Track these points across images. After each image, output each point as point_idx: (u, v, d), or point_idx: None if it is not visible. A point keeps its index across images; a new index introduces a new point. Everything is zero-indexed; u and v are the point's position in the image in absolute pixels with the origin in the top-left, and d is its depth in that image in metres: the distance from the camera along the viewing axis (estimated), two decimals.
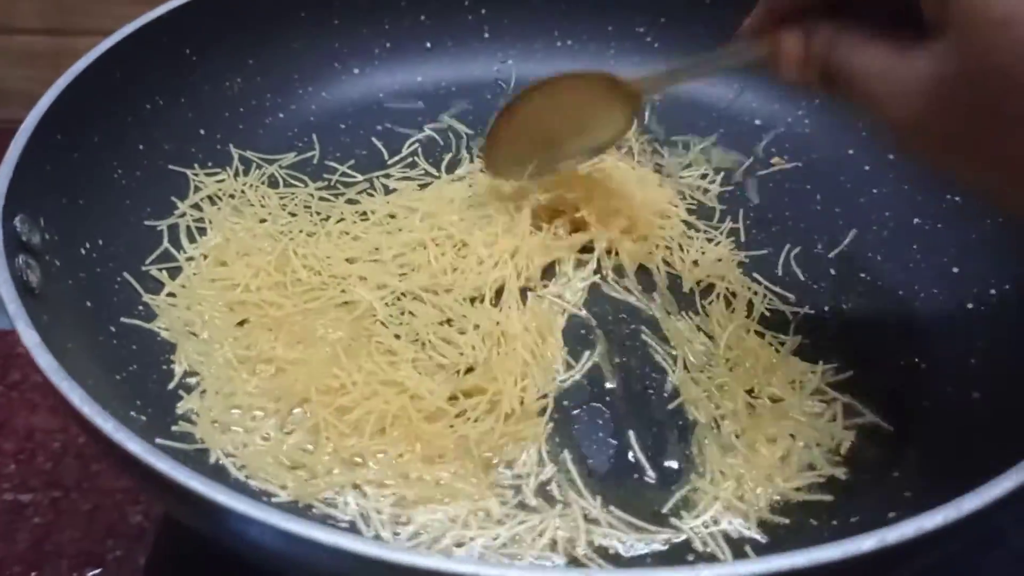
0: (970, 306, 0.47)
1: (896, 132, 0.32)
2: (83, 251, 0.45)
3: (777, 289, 0.49)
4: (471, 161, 0.57)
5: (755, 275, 0.50)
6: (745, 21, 0.40)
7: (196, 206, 0.52)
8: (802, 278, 0.50)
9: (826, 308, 0.48)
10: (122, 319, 0.45)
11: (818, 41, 0.35)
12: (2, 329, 0.38)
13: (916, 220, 0.52)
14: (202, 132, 0.55)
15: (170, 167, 0.53)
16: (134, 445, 0.29)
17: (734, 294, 0.49)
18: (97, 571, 0.49)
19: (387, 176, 0.55)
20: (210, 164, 0.54)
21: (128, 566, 0.50)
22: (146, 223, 0.50)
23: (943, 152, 0.31)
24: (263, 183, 0.54)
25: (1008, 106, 0.28)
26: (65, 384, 0.31)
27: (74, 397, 0.31)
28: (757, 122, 0.60)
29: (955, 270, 0.49)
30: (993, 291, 0.47)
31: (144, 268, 0.48)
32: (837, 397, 0.43)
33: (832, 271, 0.50)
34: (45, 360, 0.32)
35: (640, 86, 0.48)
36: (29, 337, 0.33)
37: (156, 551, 0.49)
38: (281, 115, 0.58)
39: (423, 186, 0.55)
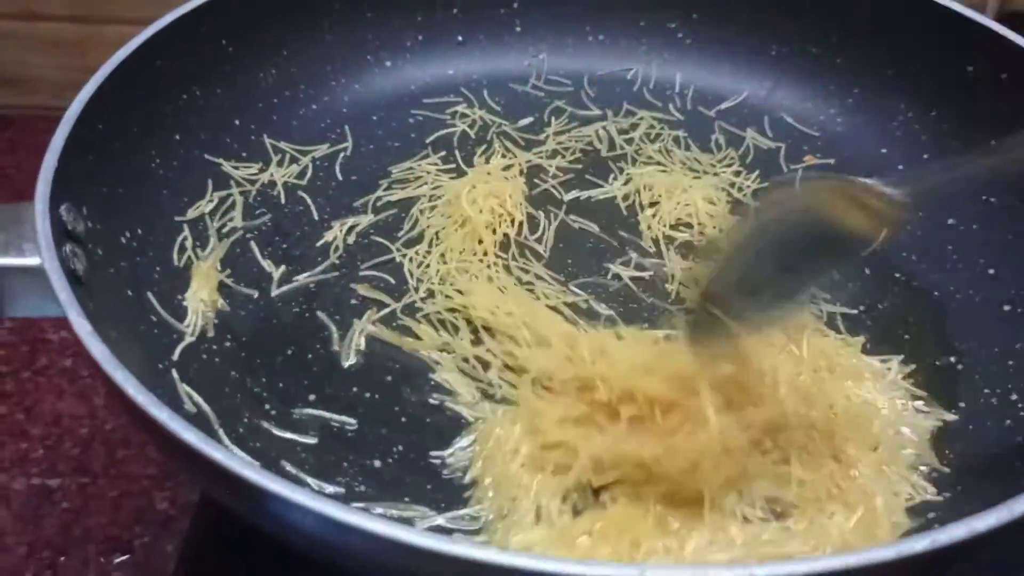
0: (1007, 308, 0.47)
1: None
2: (123, 240, 0.46)
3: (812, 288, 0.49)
4: (502, 156, 0.57)
5: None
6: None
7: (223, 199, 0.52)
8: (836, 277, 0.50)
9: (861, 308, 0.48)
10: (161, 308, 0.45)
11: None
12: (52, 316, 0.38)
13: (951, 220, 0.52)
14: (237, 122, 0.55)
15: (206, 157, 0.53)
16: (190, 435, 0.29)
17: None
18: (125, 557, 0.50)
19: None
20: (244, 155, 0.55)
21: (156, 552, 0.50)
22: (183, 212, 0.51)
23: None
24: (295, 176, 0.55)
25: None
26: (119, 374, 0.31)
27: (128, 387, 0.31)
28: (789, 119, 0.60)
29: (991, 271, 0.49)
30: None
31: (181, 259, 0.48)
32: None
33: (867, 270, 0.50)
34: (98, 349, 0.32)
35: (901, 203, 0.37)
36: (81, 326, 0.33)
37: (189, 538, 0.49)
38: (314, 106, 0.58)
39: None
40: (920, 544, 0.27)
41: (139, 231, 0.47)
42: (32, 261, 0.37)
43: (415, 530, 0.28)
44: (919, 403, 0.43)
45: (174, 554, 0.50)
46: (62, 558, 0.50)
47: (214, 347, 0.45)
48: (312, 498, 0.28)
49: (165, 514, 0.52)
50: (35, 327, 0.62)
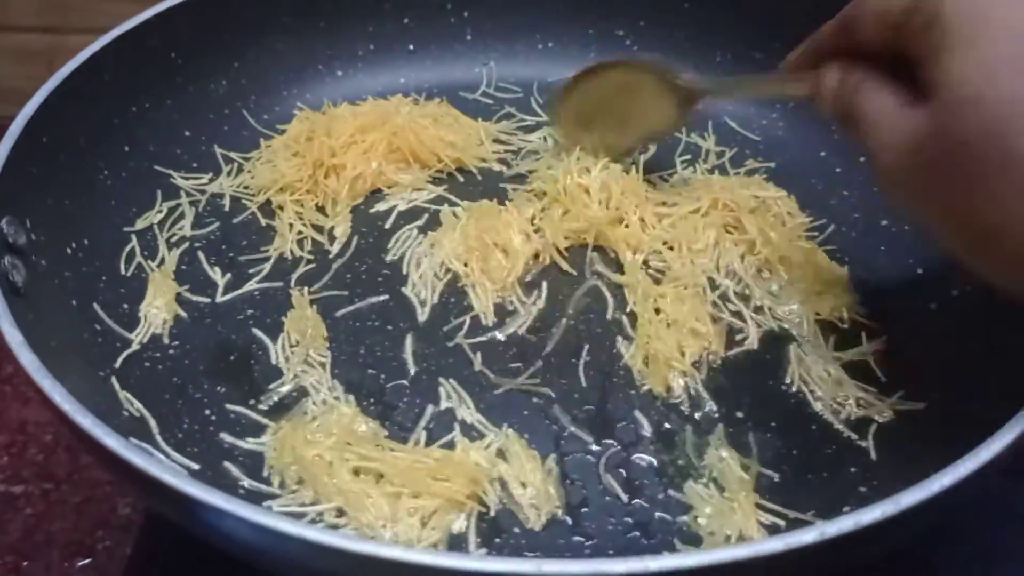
0: (933, 306, 0.48)
1: (880, 176, 0.36)
2: (69, 251, 0.46)
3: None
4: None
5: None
6: (790, 56, 0.44)
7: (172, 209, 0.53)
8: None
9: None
10: (107, 317, 0.46)
11: (850, 81, 0.38)
12: None
13: (884, 222, 0.53)
14: (187, 134, 0.56)
15: (155, 168, 0.54)
16: (112, 441, 0.30)
17: None
18: (87, 561, 0.50)
19: None
20: (194, 165, 0.56)
21: (117, 556, 0.50)
22: (131, 223, 0.51)
23: (911, 199, 0.35)
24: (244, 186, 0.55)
25: (967, 170, 0.31)
26: (47, 382, 0.32)
27: (55, 395, 0.32)
28: (732, 124, 0.61)
29: (919, 271, 0.50)
30: (955, 292, 0.48)
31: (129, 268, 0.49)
32: None
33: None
34: (28, 359, 0.33)
35: (697, 86, 0.52)
36: (12, 336, 0.34)
37: (141, 542, 0.50)
38: (265, 117, 0.59)
39: None
40: (809, 536, 0.28)
41: (85, 242, 0.48)
42: None
43: (340, 532, 0.29)
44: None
45: (130, 558, 0.50)
46: (25, 562, 0.50)
47: (157, 355, 0.46)
48: (231, 502, 0.29)
49: (127, 519, 0.52)
50: None
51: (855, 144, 0.38)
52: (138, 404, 0.42)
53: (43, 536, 0.51)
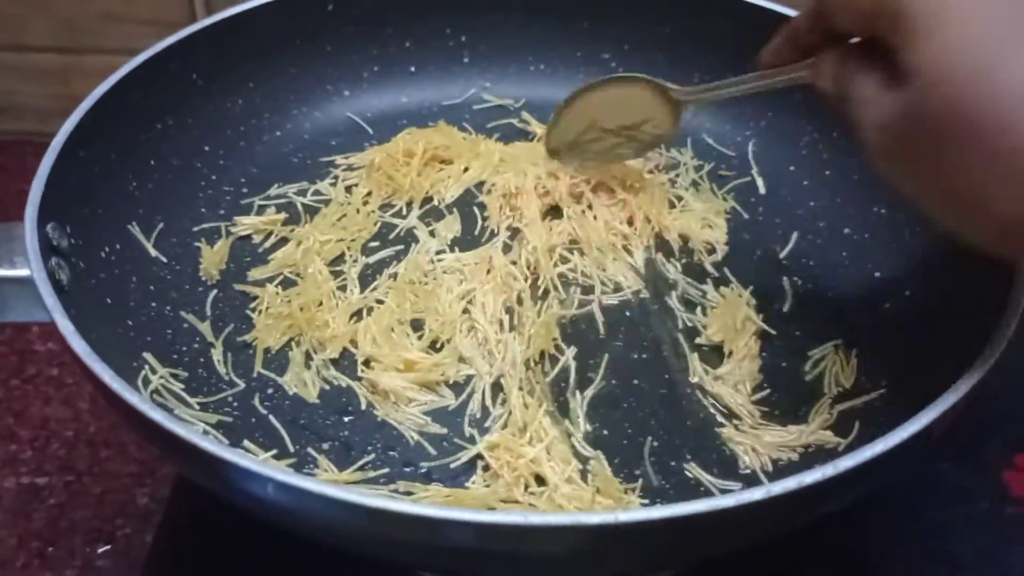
0: (887, 306, 0.53)
1: (868, 154, 0.38)
2: (103, 254, 0.51)
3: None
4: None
5: None
6: (764, 53, 0.47)
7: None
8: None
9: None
10: (139, 314, 0.51)
11: (845, 67, 0.40)
12: (39, 321, 0.43)
13: (846, 230, 0.58)
14: (206, 148, 0.60)
15: (178, 179, 0.58)
16: (156, 414, 0.35)
17: None
18: (107, 547, 0.54)
19: None
20: (213, 177, 0.60)
21: (136, 543, 0.54)
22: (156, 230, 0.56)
23: (895, 175, 0.37)
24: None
25: (942, 147, 0.34)
26: (97, 365, 0.37)
27: (105, 376, 0.36)
28: (709, 140, 0.65)
29: (876, 275, 0.55)
30: (908, 292, 0.53)
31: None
32: None
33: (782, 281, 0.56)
34: (79, 345, 0.38)
35: (683, 96, 0.55)
36: (64, 326, 0.39)
37: (162, 530, 0.53)
38: (278, 133, 0.64)
39: None
40: (757, 494, 0.33)
41: (117, 246, 0.52)
42: (22, 272, 0.42)
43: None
44: None
45: (152, 544, 0.54)
46: (50, 548, 0.54)
47: (183, 348, 0.51)
48: (255, 463, 0.34)
49: (145, 508, 0.56)
50: (23, 339, 0.66)
51: (822, 158, 0.40)
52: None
53: (66, 524, 0.55)
